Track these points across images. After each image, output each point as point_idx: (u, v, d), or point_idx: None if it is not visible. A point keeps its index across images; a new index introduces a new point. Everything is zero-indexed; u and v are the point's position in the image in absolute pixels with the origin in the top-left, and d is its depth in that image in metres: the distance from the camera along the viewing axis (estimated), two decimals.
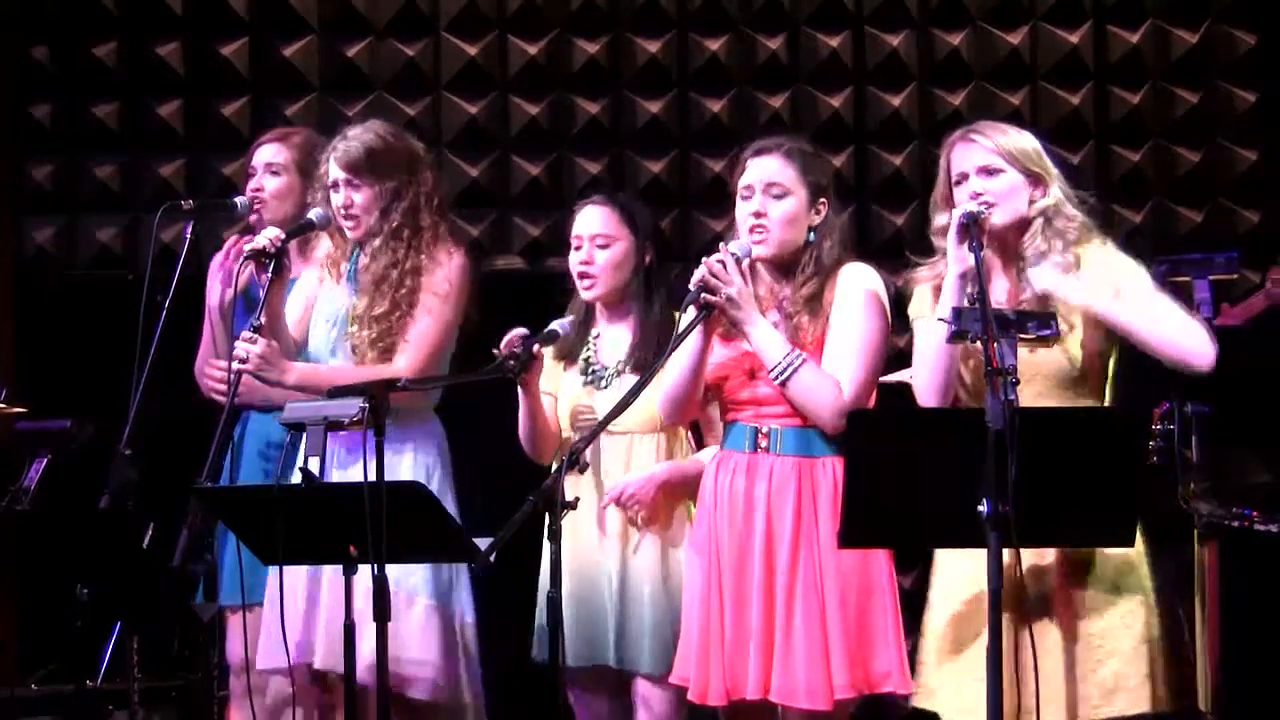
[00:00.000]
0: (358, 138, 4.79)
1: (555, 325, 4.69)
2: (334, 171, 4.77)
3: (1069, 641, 4.05)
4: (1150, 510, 4.19)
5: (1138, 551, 4.14)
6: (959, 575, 4.15)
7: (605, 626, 4.68)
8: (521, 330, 4.60)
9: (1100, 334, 4.12)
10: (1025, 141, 4.19)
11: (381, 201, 4.74)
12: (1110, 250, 4.16)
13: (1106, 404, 4.17)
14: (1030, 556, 4.05)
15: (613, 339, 4.82)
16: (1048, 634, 4.05)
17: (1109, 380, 4.19)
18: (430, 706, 4.69)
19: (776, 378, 4.34)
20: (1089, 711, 4.04)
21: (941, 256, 4.15)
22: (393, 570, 4.50)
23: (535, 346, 4.59)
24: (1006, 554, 4.03)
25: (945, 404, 4.14)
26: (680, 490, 4.71)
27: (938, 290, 4.13)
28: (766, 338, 4.36)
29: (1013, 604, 4.03)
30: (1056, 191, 4.16)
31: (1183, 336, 4.05)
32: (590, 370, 4.79)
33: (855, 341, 4.39)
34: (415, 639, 4.64)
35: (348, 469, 4.66)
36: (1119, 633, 4.08)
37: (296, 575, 4.60)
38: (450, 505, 4.72)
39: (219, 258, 5.19)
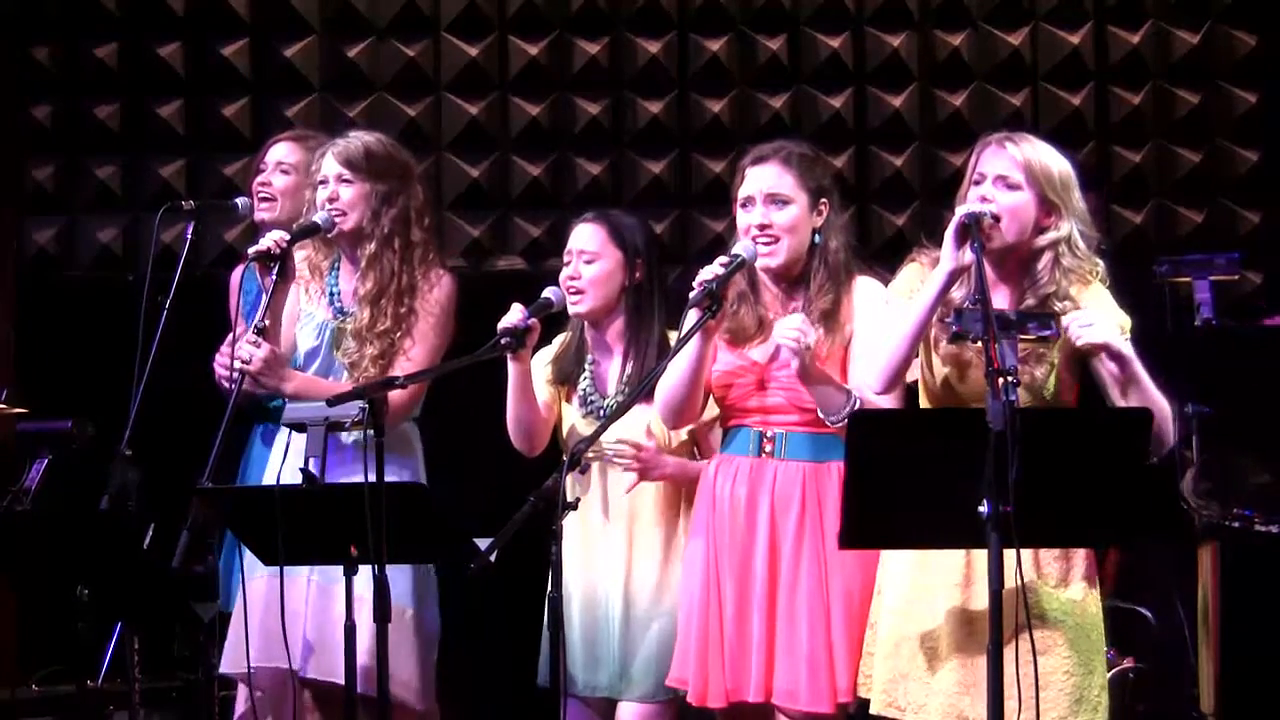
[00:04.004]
0: (358, 137, 4.82)
1: (547, 293, 4.70)
2: (327, 167, 4.77)
3: (1032, 653, 3.98)
4: (1150, 510, 4.18)
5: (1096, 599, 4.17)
6: (901, 568, 4.18)
7: (608, 658, 4.68)
8: (518, 305, 4.60)
9: (1073, 372, 4.11)
10: (1055, 165, 4.13)
11: (371, 202, 4.74)
12: (1105, 293, 4.14)
13: None
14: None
15: (608, 366, 4.81)
16: (1012, 644, 3.99)
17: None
18: (414, 714, 4.70)
19: (836, 421, 4.32)
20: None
21: None
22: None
23: (530, 318, 4.58)
24: (964, 571, 4.09)
25: (889, 391, 4.14)
26: (681, 491, 4.70)
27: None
28: (828, 388, 4.34)
29: (971, 618, 4.07)
30: (1069, 227, 4.11)
31: (1165, 412, 4.01)
32: (589, 401, 4.78)
33: None
34: (405, 649, 4.64)
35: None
36: (1073, 647, 4.10)
37: (263, 582, 4.61)
38: None
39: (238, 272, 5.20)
